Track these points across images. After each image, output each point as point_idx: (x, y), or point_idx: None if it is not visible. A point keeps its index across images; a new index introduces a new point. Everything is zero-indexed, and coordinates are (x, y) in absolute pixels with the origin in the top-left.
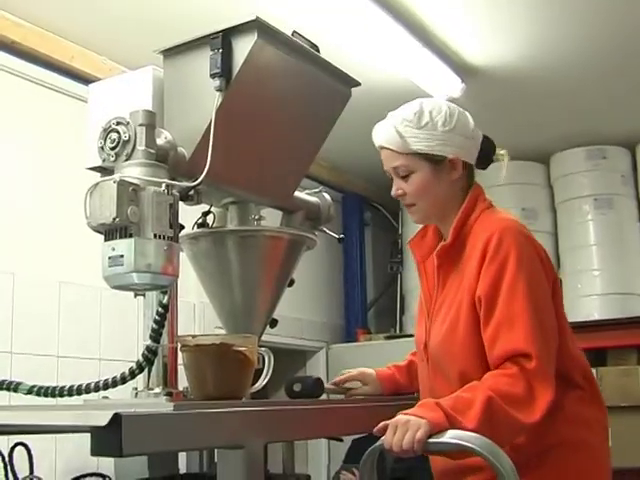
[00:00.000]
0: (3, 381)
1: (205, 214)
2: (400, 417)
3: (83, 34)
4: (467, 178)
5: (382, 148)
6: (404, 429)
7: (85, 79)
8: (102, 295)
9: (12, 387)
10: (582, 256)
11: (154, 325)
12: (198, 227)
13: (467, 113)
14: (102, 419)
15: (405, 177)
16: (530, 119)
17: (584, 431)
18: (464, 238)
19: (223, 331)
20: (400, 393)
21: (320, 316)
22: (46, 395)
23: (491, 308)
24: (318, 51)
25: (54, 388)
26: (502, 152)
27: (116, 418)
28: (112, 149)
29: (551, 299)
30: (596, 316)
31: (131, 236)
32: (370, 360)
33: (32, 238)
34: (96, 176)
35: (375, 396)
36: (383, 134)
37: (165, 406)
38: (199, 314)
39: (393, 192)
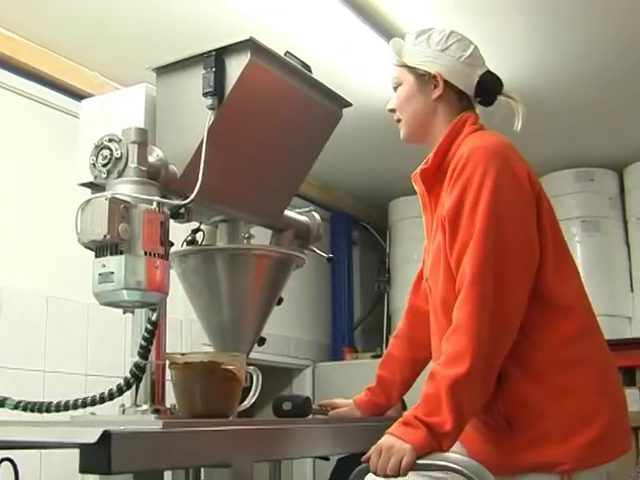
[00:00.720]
0: None
1: (194, 231)
2: (384, 441)
3: (75, 49)
4: (457, 103)
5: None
6: (389, 455)
7: (76, 94)
8: (89, 310)
9: None
10: None
11: (142, 342)
12: (187, 244)
13: (473, 45)
14: (91, 436)
15: (395, 90)
16: (520, 140)
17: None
18: (448, 162)
19: (210, 348)
20: (381, 413)
21: (307, 334)
22: (33, 410)
23: (454, 233)
24: (310, 71)
25: (41, 404)
26: (511, 94)
27: (105, 435)
28: (104, 166)
29: (530, 221)
30: None
31: (122, 253)
32: (356, 379)
33: (20, 253)
34: (87, 192)
35: (361, 417)
36: (390, 50)
37: (154, 424)
38: (186, 331)
39: (387, 106)
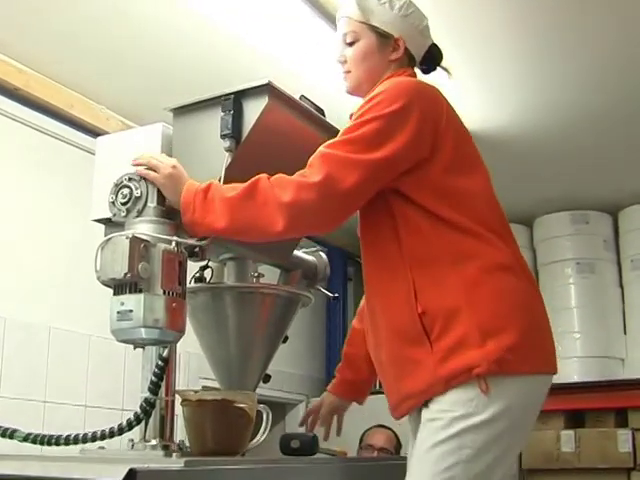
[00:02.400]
0: None
1: (203, 269)
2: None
3: (83, 82)
4: (406, 66)
5: (341, 18)
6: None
7: (84, 127)
8: (90, 341)
9: (7, 434)
10: (563, 318)
11: (153, 378)
12: (196, 281)
13: (425, 16)
14: (117, 474)
15: (351, 44)
16: (515, 182)
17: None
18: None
19: (208, 382)
20: (357, 390)
21: (301, 369)
22: (42, 443)
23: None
24: (324, 114)
25: (51, 437)
26: (447, 67)
27: (131, 473)
28: (123, 204)
29: (414, 148)
30: (576, 378)
31: (141, 291)
32: (350, 414)
33: (22, 283)
34: (92, 226)
35: (369, 457)
36: (347, 4)
37: (176, 462)
38: (184, 364)
39: (337, 58)
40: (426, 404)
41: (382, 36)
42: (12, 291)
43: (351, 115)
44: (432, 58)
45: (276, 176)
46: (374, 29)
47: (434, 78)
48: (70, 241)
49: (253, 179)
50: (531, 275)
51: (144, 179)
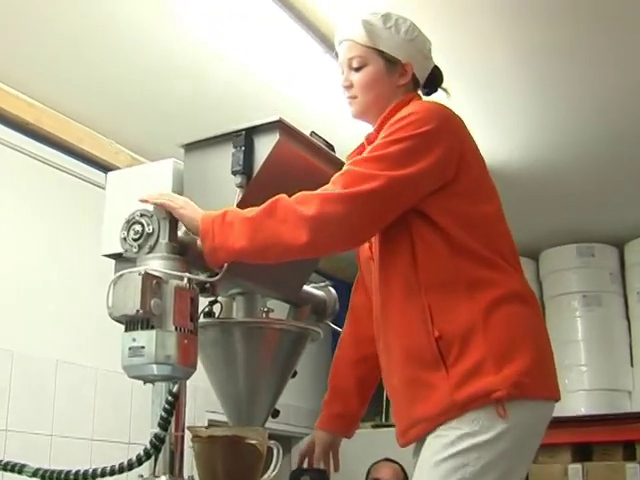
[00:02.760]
0: (7, 462)
1: (212, 303)
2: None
3: (93, 116)
4: (412, 89)
5: (343, 41)
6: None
7: (93, 161)
8: (97, 375)
9: (17, 469)
10: (570, 351)
11: (163, 413)
12: (204, 316)
13: (427, 38)
14: None
15: (357, 69)
16: (521, 216)
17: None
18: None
19: (215, 416)
20: (346, 424)
21: (306, 402)
22: (51, 479)
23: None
24: (334, 150)
25: (60, 472)
26: (447, 88)
27: None
28: (135, 240)
29: (437, 173)
30: (583, 411)
31: (153, 328)
32: (355, 448)
33: (33, 317)
34: (100, 261)
35: None
36: (349, 27)
37: None
38: (190, 398)
39: (342, 82)
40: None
41: (389, 61)
42: (20, 324)
43: (368, 136)
44: (434, 80)
45: (296, 194)
46: (381, 54)
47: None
48: (78, 275)
49: (272, 199)
50: (538, 304)
51: (155, 215)
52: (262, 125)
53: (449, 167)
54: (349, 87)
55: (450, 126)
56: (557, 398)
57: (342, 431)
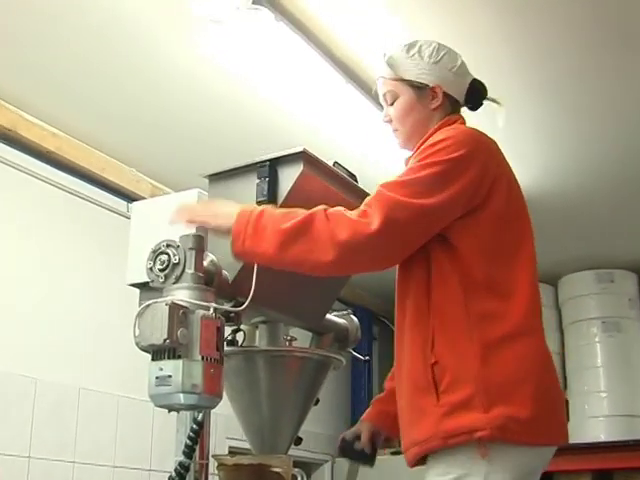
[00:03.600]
0: None
1: (235, 331)
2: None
3: (115, 145)
4: (450, 109)
5: (377, 80)
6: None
7: (115, 190)
8: (119, 403)
9: None
10: (589, 377)
11: (188, 441)
12: (227, 344)
13: (459, 55)
14: None
15: (392, 104)
16: (541, 242)
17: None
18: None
19: (234, 442)
20: (393, 423)
21: (326, 429)
22: None
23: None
24: (356, 180)
25: None
26: (496, 97)
27: None
28: (161, 270)
29: (462, 197)
30: (603, 438)
31: (179, 357)
32: (376, 475)
33: (56, 345)
34: (128, 289)
35: None
36: (379, 66)
37: None
38: (212, 425)
39: (382, 119)
40: (428, 458)
41: (418, 88)
42: (43, 352)
43: (406, 160)
44: (476, 94)
45: (334, 210)
46: (409, 83)
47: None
48: (100, 303)
49: (311, 212)
50: (544, 340)
51: (182, 246)
52: (286, 156)
53: (479, 192)
54: (389, 122)
55: (481, 152)
56: (556, 443)
57: (387, 428)
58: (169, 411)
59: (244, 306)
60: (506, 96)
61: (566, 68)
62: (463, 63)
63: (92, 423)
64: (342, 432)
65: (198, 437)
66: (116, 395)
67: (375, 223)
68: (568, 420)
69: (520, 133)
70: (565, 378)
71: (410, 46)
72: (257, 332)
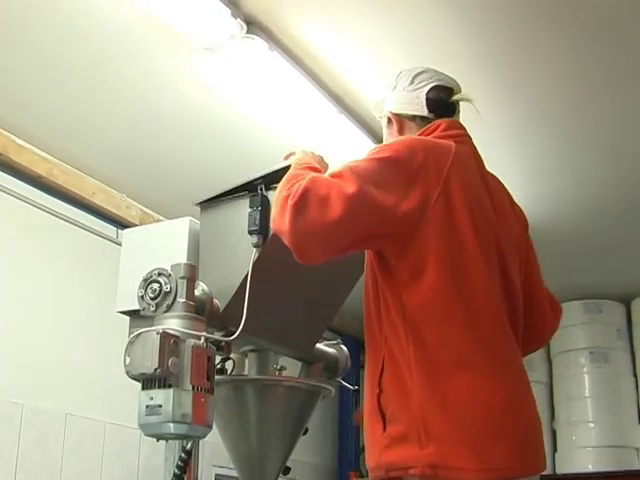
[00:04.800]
0: None
1: (224, 360)
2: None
3: (105, 170)
4: (417, 127)
5: None
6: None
7: (105, 215)
8: (106, 429)
9: None
10: (577, 408)
11: (176, 470)
12: (217, 373)
13: (418, 69)
14: None
15: None
16: None
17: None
18: None
19: (221, 470)
20: None
21: (313, 457)
22: None
23: None
24: None
25: None
26: (464, 95)
27: None
28: (152, 299)
29: (396, 183)
30: (590, 468)
31: (170, 387)
32: None
33: (43, 371)
34: (116, 316)
35: None
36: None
37: None
38: (199, 453)
39: None
40: None
41: (386, 121)
42: (29, 378)
43: None
44: (435, 101)
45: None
46: (382, 120)
47: None
48: (89, 330)
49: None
50: (512, 370)
51: (173, 274)
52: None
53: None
54: None
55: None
56: (511, 477)
57: None
58: (158, 440)
59: (235, 336)
60: (500, 126)
61: (556, 98)
62: (418, 77)
63: (78, 449)
64: (328, 460)
65: (187, 466)
66: (103, 421)
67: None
68: (538, 450)
69: (509, 163)
70: (553, 408)
71: (386, 86)
72: (246, 361)
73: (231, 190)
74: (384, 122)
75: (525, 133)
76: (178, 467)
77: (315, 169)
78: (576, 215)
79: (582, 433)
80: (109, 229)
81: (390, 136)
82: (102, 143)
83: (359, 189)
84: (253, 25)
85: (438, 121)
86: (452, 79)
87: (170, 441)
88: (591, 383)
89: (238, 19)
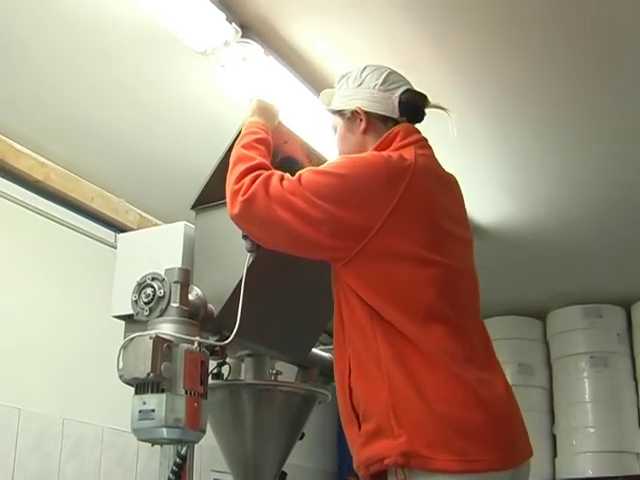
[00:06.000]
0: None
1: (220, 365)
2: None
3: (103, 175)
4: (384, 129)
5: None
6: None
7: (103, 220)
8: (104, 434)
9: None
10: (577, 412)
11: (171, 475)
12: (213, 377)
13: (388, 70)
14: None
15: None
16: (530, 277)
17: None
18: None
19: (220, 475)
20: None
21: (312, 462)
22: None
23: None
24: None
25: None
26: (439, 104)
27: None
28: (146, 304)
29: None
30: (590, 473)
31: (163, 391)
32: None
33: (40, 375)
34: (113, 321)
35: None
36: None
37: None
38: (197, 457)
39: None
40: None
41: (346, 116)
42: (27, 382)
43: None
44: (409, 105)
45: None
46: (339, 113)
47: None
48: (86, 334)
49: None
50: (488, 363)
51: (167, 279)
52: None
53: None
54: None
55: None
56: (492, 469)
57: None
58: (152, 445)
59: (228, 340)
60: (500, 129)
61: (549, 101)
62: (390, 78)
63: (76, 454)
64: (328, 465)
65: (181, 471)
66: (100, 426)
67: None
68: (515, 438)
69: (507, 166)
70: (553, 413)
71: (341, 76)
72: (243, 365)
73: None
74: (340, 116)
75: (522, 136)
76: (173, 472)
77: (264, 141)
78: (576, 219)
79: (582, 438)
80: (107, 234)
81: (351, 133)
82: (100, 148)
83: (300, 208)
84: (248, 29)
85: (395, 128)
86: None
87: (165, 446)
88: (591, 388)
89: (233, 23)
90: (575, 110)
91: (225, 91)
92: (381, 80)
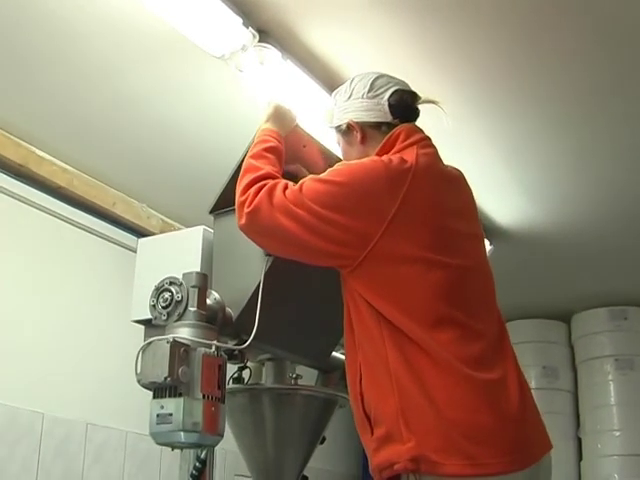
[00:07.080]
0: None
1: (241, 369)
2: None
3: (125, 181)
4: (380, 135)
5: None
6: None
7: (126, 225)
8: (127, 438)
9: None
10: (603, 416)
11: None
12: (233, 381)
13: (375, 75)
14: None
15: None
16: (553, 279)
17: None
18: None
19: (243, 479)
20: None
21: (336, 466)
22: None
23: None
24: None
25: None
26: (430, 98)
27: None
28: (164, 308)
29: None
30: (616, 477)
31: (180, 395)
32: None
33: (63, 380)
34: (136, 325)
35: None
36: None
37: None
38: (220, 461)
39: None
40: None
41: (342, 131)
42: (50, 387)
43: None
44: (400, 106)
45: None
46: (336, 129)
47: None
48: (109, 339)
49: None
50: (500, 360)
51: (185, 284)
52: None
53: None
54: None
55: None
56: (505, 471)
57: None
58: (172, 449)
59: (246, 344)
60: (524, 129)
61: (569, 100)
62: (376, 83)
63: (99, 459)
64: (352, 469)
65: (201, 475)
66: (124, 431)
67: None
68: (529, 438)
69: (532, 168)
70: (578, 417)
71: (334, 93)
72: (263, 369)
73: None
74: (339, 132)
75: (550, 138)
76: (192, 476)
77: (274, 149)
78: (600, 220)
79: (608, 441)
80: (130, 239)
81: (351, 146)
82: (122, 154)
83: (303, 217)
84: (265, 34)
85: (397, 130)
86: (406, 82)
87: (185, 450)
88: (616, 391)
89: (250, 28)
90: (595, 108)
91: (243, 95)
92: (368, 87)
